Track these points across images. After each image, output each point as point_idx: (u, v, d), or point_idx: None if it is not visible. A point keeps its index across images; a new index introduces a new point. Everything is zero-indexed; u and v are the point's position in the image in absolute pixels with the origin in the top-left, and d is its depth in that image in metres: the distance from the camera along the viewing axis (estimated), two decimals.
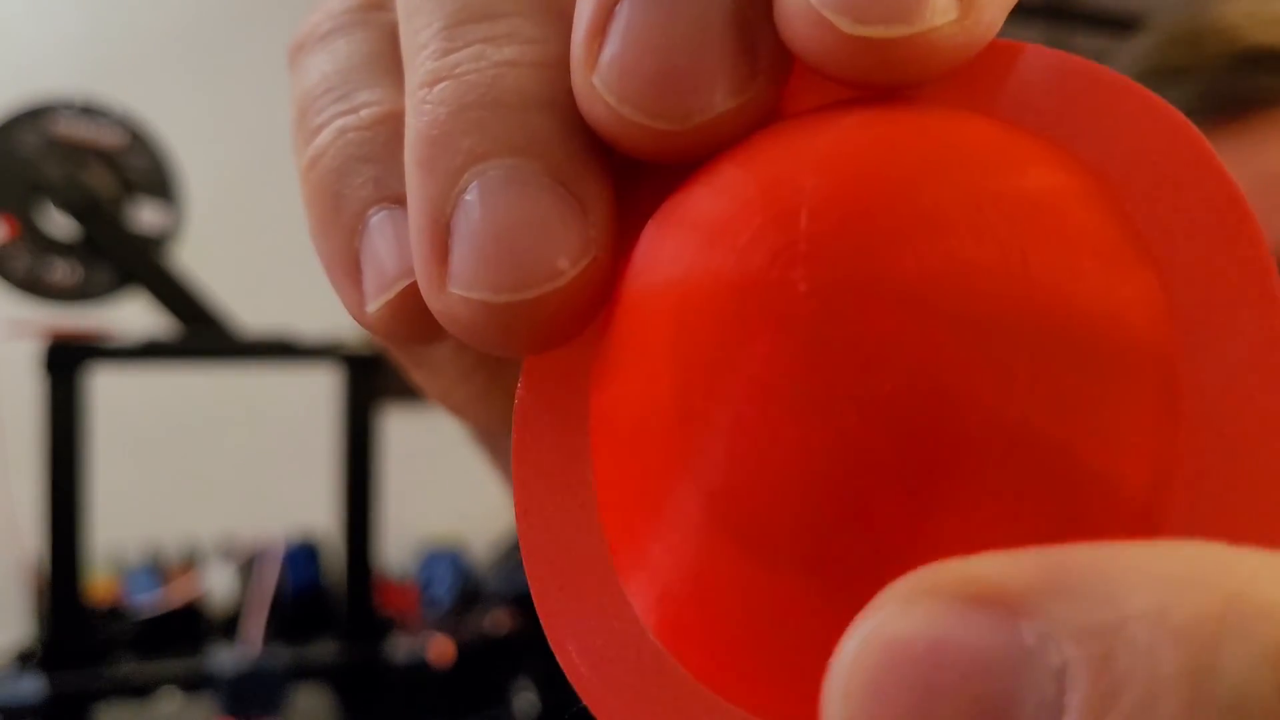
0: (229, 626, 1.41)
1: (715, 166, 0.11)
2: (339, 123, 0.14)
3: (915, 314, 0.09)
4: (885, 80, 0.11)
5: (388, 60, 0.15)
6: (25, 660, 1.29)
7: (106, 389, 1.09)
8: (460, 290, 0.11)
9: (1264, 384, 0.10)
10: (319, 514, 1.41)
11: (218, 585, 1.55)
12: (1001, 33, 0.11)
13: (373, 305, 0.13)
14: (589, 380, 0.12)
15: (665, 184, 0.12)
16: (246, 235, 1.71)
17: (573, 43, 0.12)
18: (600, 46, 0.11)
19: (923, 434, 0.09)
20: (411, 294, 0.13)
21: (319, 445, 1.30)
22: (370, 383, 1.09)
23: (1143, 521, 0.09)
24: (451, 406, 0.22)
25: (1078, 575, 0.07)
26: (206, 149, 1.52)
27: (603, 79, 0.11)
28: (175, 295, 1.05)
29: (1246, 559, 0.07)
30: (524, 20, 0.13)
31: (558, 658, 0.11)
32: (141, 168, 1.07)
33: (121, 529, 1.54)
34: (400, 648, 1.25)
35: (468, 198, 0.12)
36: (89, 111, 1.05)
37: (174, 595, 1.47)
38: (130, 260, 1.03)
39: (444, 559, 1.76)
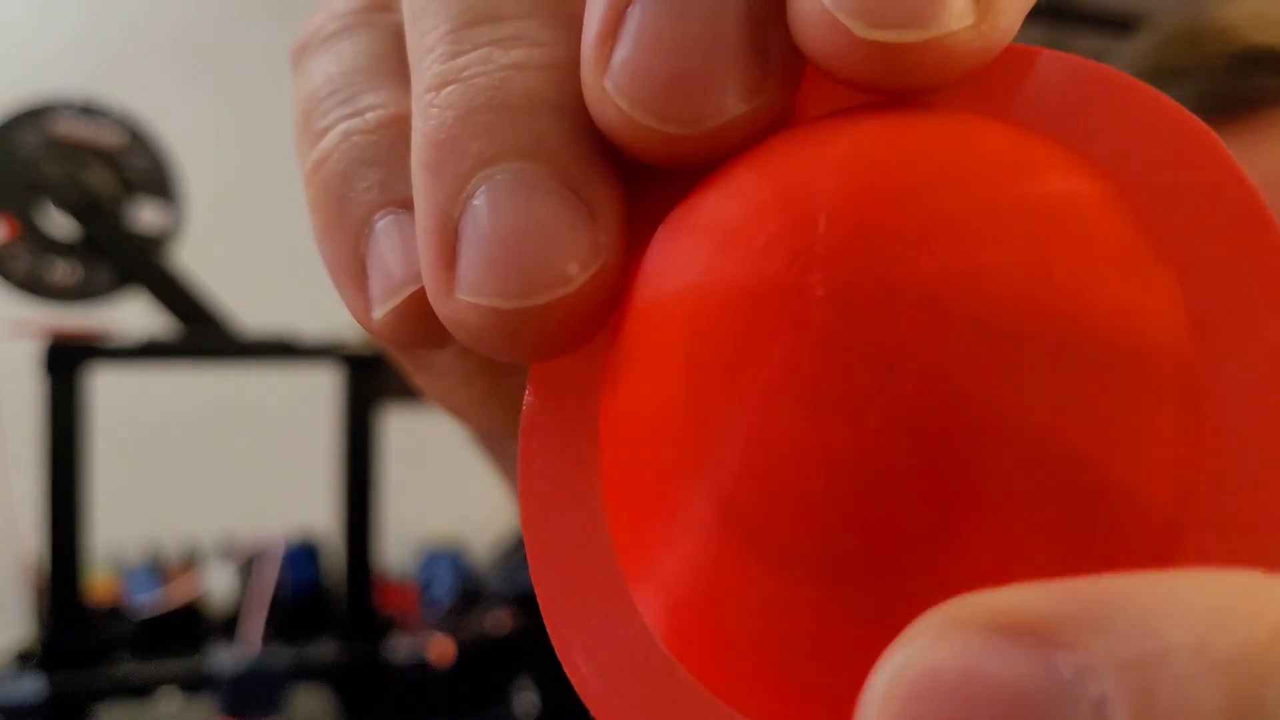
0: (229, 626, 1.41)
1: (728, 171, 0.11)
2: (344, 126, 0.14)
3: (935, 318, 0.09)
4: (900, 85, 0.11)
5: (393, 62, 0.15)
6: (25, 660, 1.29)
7: (106, 389, 1.09)
8: (468, 296, 0.11)
9: None
10: (319, 514, 1.41)
11: (218, 585, 1.55)
12: None
13: (379, 311, 0.13)
14: (597, 387, 0.12)
15: (675, 189, 0.12)
16: (246, 235, 1.71)
17: (583, 45, 0.12)
18: (611, 50, 0.11)
19: (943, 439, 0.09)
20: (418, 299, 0.13)
21: (319, 445, 1.30)
22: (370, 383, 1.09)
23: (1166, 531, 0.09)
24: (453, 409, 0.21)
25: (1114, 606, 0.07)
26: (206, 149, 1.52)
27: (614, 82, 0.11)
28: (175, 295, 1.05)
29: None
30: (532, 23, 0.13)
31: (564, 665, 0.11)
32: (141, 168, 1.07)
33: (121, 529, 1.53)
34: (400, 648, 1.25)
35: (476, 202, 0.11)
36: (89, 111, 1.05)
37: (174, 595, 1.47)
38: (130, 260, 1.03)
39: (444, 559, 1.75)
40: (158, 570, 1.58)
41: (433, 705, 1.27)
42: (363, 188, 0.14)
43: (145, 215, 1.06)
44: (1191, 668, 0.07)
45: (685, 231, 0.11)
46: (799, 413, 0.09)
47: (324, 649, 1.13)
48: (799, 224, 0.10)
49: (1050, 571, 0.09)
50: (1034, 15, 0.11)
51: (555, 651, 0.11)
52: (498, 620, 1.44)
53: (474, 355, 0.19)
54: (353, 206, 0.14)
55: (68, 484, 0.97)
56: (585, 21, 0.12)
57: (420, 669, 1.27)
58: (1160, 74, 0.36)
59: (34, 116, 1.02)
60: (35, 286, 1.00)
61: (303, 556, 1.57)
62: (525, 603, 1.44)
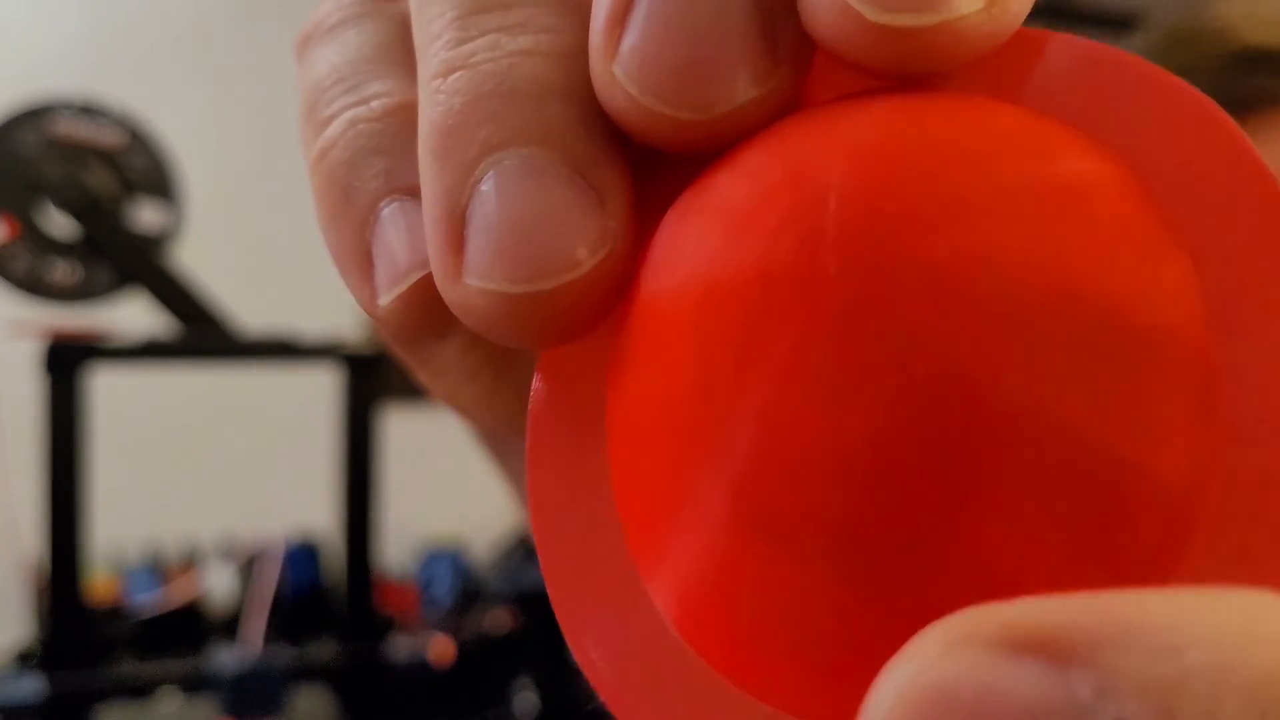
0: (229, 626, 1.41)
1: (738, 154, 0.11)
2: (349, 114, 0.14)
3: (948, 300, 0.09)
4: (911, 69, 0.11)
5: (398, 51, 0.15)
6: (25, 660, 1.29)
7: (106, 389, 1.09)
8: (476, 281, 0.11)
9: None
10: (319, 514, 1.41)
11: (218, 585, 1.55)
12: None
13: (385, 298, 0.13)
14: (605, 374, 0.12)
15: (683, 175, 0.12)
16: (246, 235, 1.71)
17: (592, 31, 0.12)
18: (621, 35, 0.11)
19: (956, 421, 0.09)
20: (425, 286, 0.13)
21: (319, 445, 1.30)
22: (370, 383, 1.09)
23: (1180, 516, 0.09)
24: (457, 406, 0.21)
25: (1134, 623, 0.07)
26: (206, 149, 1.52)
27: (624, 68, 0.11)
28: (175, 295, 1.05)
29: None
30: (539, 9, 0.12)
31: (575, 654, 0.11)
32: (141, 168, 1.07)
33: (121, 529, 1.53)
34: (400, 648, 1.25)
35: (484, 188, 0.11)
36: (89, 111, 1.05)
37: (174, 595, 1.47)
38: (130, 260, 1.03)
39: (444, 559, 1.75)
40: (158, 570, 1.58)
41: (433, 705, 1.27)
42: (368, 175, 0.13)
43: (145, 215, 1.06)
44: (1214, 691, 0.07)
45: (695, 214, 0.11)
46: (811, 393, 0.09)
47: (324, 649, 1.12)
48: (810, 205, 0.10)
49: (1064, 556, 0.09)
50: (1033, 15, 0.11)
51: (566, 640, 0.11)
52: (498, 620, 1.44)
53: (477, 351, 0.19)
54: (358, 194, 0.13)
55: (68, 484, 0.97)
56: (594, 7, 0.12)
57: (420, 669, 1.27)
58: None
59: (34, 116, 1.02)
60: (35, 286, 1.00)
61: (303, 556, 1.57)
62: (525, 603, 1.44)
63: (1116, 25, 2.13)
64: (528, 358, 0.20)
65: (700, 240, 0.11)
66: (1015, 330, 0.09)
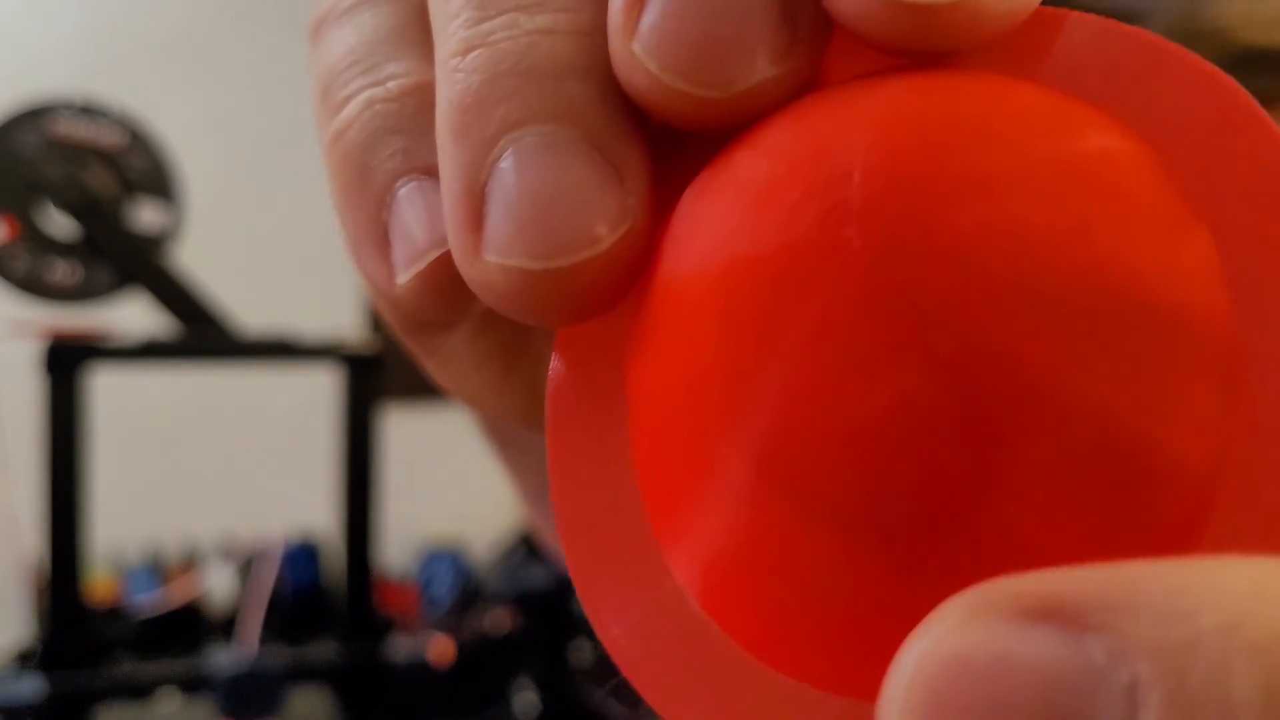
0: (228, 626, 1.41)
1: (758, 132, 0.11)
2: (366, 94, 0.14)
3: (972, 272, 0.09)
4: (930, 48, 0.11)
5: (414, 33, 0.15)
6: (25, 660, 1.28)
7: (106, 389, 1.09)
8: (496, 258, 0.11)
9: None
10: (319, 514, 1.41)
11: (217, 585, 1.55)
12: None
13: (403, 276, 0.13)
14: (624, 351, 0.12)
15: (701, 153, 0.12)
16: (246, 235, 1.71)
17: (610, 9, 0.12)
18: (640, 13, 0.11)
19: (980, 393, 0.09)
20: (443, 265, 0.13)
21: (319, 445, 1.30)
22: (370, 383, 1.09)
23: (1200, 491, 0.09)
24: (464, 395, 0.21)
25: (1145, 589, 0.07)
26: (206, 149, 1.51)
27: (643, 46, 0.11)
28: (175, 295, 1.05)
29: None
30: None
31: (596, 630, 0.11)
32: (141, 168, 1.07)
33: (121, 529, 1.53)
34: (400, 648, 1.25)
35: (503, 165, 0.11)
36: (89, 111, 1.04)
37: (174, 595, 1.47)
38: (130, 260, 1.03)
39: (444, 559, 1.75)
40: (158, 570, 1.57)
41: (433, 705, 1.27)
42: (385, 155, 0.13)
43: (145, 215, 1.06)
44: (1225, 652, 0.07)
45: (715, 190, 0.11)
46: (836, 364, 0.09)
47: (324, 649, 1.12)
48: (833, 178, 0.10)
49: (1085, 528, 0.09)
50: None
51: (587, 615, 0.11)
52: (498, 620, 1.44)
53: (486, 338, 0.19)
54: (375, 174, 0.13)
55: (68, 484, 0.97)
56: None
57: (420, 669, 1.26)
58: None
59: (34, 116, 1.02)
60: (35, 286, 1.00)
61: (303, 556, 1.57)
62: (525, 603, 1.44)
63: None
64: (536, 346, 0.20)
65: (722, 215, 0.11)
66: (1038, 303, 0.09)
